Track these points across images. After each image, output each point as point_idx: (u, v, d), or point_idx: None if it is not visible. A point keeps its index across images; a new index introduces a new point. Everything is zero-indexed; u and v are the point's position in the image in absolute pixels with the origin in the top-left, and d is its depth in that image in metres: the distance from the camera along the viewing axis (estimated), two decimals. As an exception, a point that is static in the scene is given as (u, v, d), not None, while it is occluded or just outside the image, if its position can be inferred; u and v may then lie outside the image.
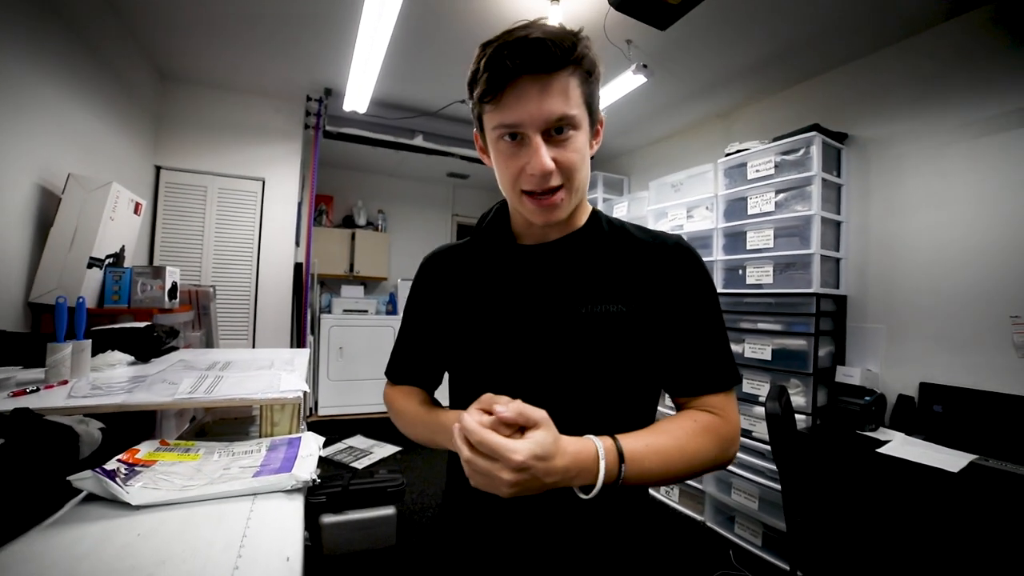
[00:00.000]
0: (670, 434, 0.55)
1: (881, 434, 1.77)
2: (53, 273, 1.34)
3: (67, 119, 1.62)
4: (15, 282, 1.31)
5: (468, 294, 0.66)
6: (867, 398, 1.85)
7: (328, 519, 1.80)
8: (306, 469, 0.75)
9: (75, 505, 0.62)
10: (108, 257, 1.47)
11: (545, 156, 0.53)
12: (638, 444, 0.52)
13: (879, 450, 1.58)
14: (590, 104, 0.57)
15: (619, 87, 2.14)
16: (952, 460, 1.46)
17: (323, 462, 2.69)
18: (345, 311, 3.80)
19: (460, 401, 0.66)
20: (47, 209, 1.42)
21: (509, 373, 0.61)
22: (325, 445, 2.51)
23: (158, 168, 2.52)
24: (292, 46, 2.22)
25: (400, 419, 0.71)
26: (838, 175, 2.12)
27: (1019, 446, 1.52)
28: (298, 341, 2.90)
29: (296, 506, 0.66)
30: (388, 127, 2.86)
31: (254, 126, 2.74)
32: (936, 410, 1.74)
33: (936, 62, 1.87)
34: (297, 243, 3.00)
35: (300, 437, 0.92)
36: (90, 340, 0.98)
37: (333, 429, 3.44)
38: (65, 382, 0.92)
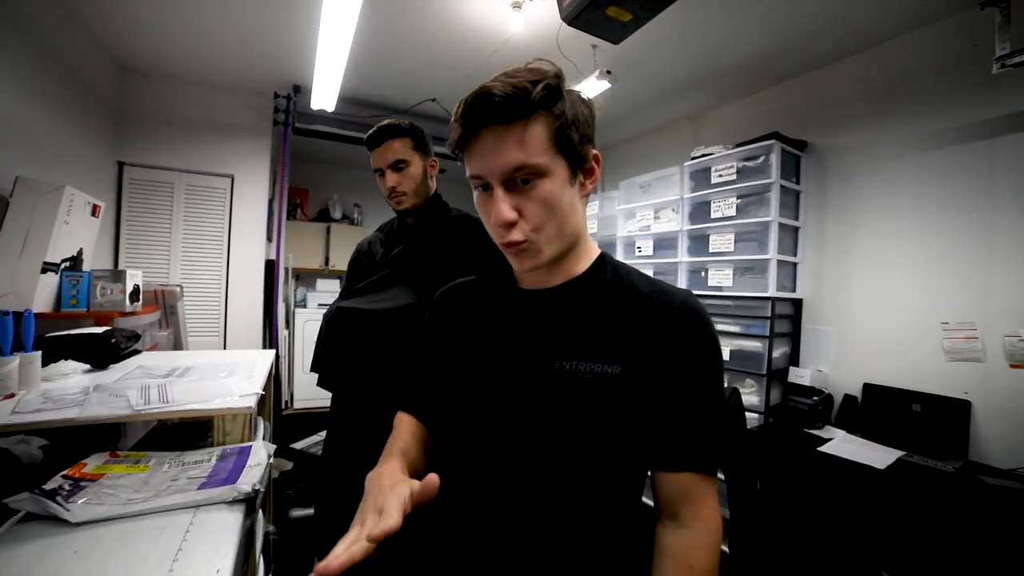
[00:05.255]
0: None
1: (826, 432, 1.88)
2: (4, 279, 1.32)
3: (14, 119, 1.58)
4: (-39, 289, 1.30)
5: (464, 337, 0.66)
6: (815, 398, 1.95)
7: (297, 513, 1.86)
8: (250, 480, 0.78)
9: (13, 524, 0.64)
10: (64, 261, 1.46)
11: (503, 207, 0.53)
12: None
13: (820, 448, 1.68)
14: (566, 146, 0.55)
15: (584, 92, 2.16)
16: (882, 457, 1.57)
17: (297, 455, 2.72)
18: (320, 305, 3.80)
19: (436, 446, 0.67)
20: (-6, 214, 1.39)
21: (475, 424, 0.60)
22: (300, 438, 2.51)
23: (121, 164, 2.47)
24: (256, 40, 2.18)
25: None
26: (797, 181, 2.20)
27: (943, 443, 1.63)
28: (269, 340, 2.90)
29: (236, 517, 0.69)
30: (359, 124, 2.84)
31: (222, 122, 2.68)
32: (915, 409, 1.74)
33: (886, 76, 1.95)
34: (269, 239, 2.98)
35: (251, 446, 0.95)
36: (40, 352, 0.99)
37: (308, 421, 3.45)
38: (12, 395, 0.92)
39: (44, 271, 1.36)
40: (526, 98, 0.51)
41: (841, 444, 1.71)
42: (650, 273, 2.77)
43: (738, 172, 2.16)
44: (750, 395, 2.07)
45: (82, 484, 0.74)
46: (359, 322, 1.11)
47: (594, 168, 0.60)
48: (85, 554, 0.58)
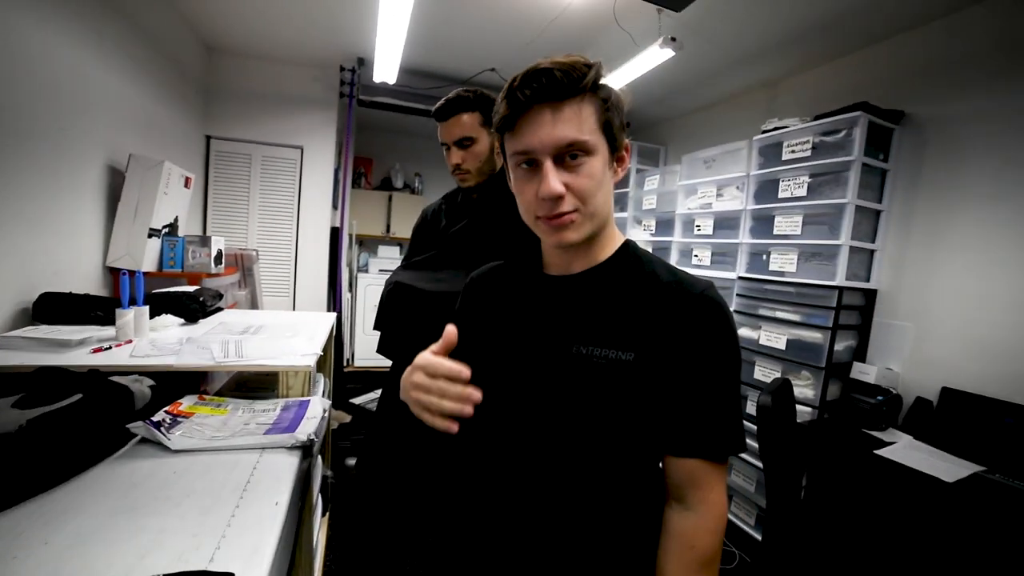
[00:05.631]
0: None
1: (889, 435, 1.74)
2: (122, 242, 1.57)
3: (127, 102, 1.79)
4: (94, 250, 1.56)
5: (492, 320, 0.69)
6: (879, 397, 1.81)
7: (350, 461, 2.10)
8: (306, 431, 0.90)
9: (133, 445, 0.81)
10: (164, 227, 1.69)
11: (554, 180, 0.55)
12: None
13: (876, 451, 1.58)
14: (608, 131, 0.58)
15: (645, 62, 2.03)
16: (952, 469, 1.43)
17: (355, 409, 3.00)
18: (381, 270, 4.03)
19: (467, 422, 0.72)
20: (115, 186, 1.63)
21: (499, 403, 0.63)
22: (358, 393, 2.78)
23: (208, 138, 2.73)
24: (324, 15, 2.27)
25: None
26: (884, 159, 1.95)
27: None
28: (333, 302, 3.15)
29: (293, 461, 0.82)
30: (420, 95, 2.90)
31: (293, 95, 2.86)
32: (1007, 422, 1.56)
33: None
34: (335, 207, 3.18)
35: (309, 400, 1.08)
36: (148, 307, 1.18)
37: (367, 379, 3.77)
38: (130, 341, 1.12)
39: (150, 236, 1.59)
40: (581, 79, 0.54)
41: (904, 450, 1.59)
42: (708, 254, 2.63)
43: (813, 148, 1.96)
44: (804, 388, 1.96)
45: (179, 419, 0.91)
46: (413, 300, 1.17)
47: (624, 157, 0.62)
48: (181, 475, 0.72)
